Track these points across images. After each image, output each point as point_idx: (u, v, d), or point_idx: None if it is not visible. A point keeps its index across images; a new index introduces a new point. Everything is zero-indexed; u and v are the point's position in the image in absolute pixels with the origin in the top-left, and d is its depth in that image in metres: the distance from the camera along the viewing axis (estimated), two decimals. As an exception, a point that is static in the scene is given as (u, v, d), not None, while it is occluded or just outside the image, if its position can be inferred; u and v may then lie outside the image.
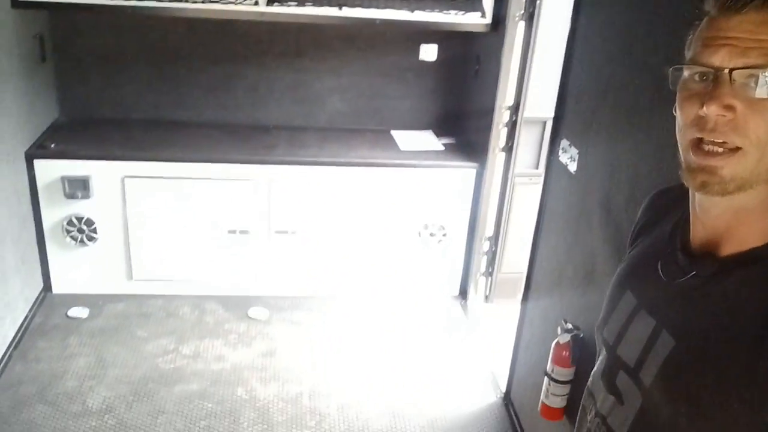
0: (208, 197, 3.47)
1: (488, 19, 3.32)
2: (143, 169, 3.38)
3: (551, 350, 2.37)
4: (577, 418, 1.21)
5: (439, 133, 3.93)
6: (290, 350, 3.37)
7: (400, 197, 3.62)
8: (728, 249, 0.91)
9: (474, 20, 3.31)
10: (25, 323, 3.33)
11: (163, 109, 3.77)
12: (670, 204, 1.10)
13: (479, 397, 3.19)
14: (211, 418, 2.91)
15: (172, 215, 3.47)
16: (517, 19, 3.23)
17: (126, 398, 2.97)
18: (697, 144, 0.84)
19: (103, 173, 3.34)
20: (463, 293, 3.92)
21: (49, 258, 3.50)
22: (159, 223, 3.48)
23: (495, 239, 3.75)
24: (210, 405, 2.98)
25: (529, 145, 3.61)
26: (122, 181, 3.36)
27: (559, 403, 2.41)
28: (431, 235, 3.72)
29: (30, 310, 3.39)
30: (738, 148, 0.82)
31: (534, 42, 3.24)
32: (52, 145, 3.31)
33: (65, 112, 3.70)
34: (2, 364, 3.05)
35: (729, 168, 0.82)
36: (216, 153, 3.49)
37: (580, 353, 2.30)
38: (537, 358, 2.76)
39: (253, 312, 3.60)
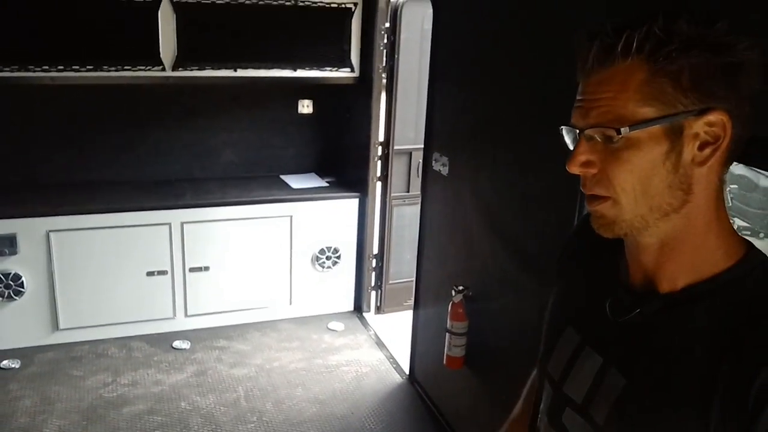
0: (126, 244, 3.86)
1: (357, 73, 4.09)
2: (66, 222, 3.71)
3: (449, 310, 3.05)
4: None
5: (321, 174, 4.60)
6: (219, 368, 3.79)
7: (297, 228, 4.21)
8: (665, 285, 0.94)
9: (345, 74, 4.07)
10: (-41, 379, 3.48)
11: (70, 171, 4.10)
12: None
13: (389, 381, 3.79)
14: (163, 428, 3.26)
15: (95, 263, 3.81)
16: (380, 71, 4.04)
17: (80, 423, 3.25)
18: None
19: (29, 229, 3.64)
20: (359, 308, 4.54)
21: (-27, 318, 3.68)
22: (82, 272, 3.80)
23: (380, 255, 4.45)
24: (159, 418, 3.33)
25: (400, 172, 4.41)
26: (47, 235, 3.67)
27: (459, 353, 3.08)
28: (327, 258, 4.33)
29: (-41, 368, 3.55)
30: (607, 197, 0.89)
31: (396, 89, 4.07)
32: (-23, 208, 3.57)
33: (-25, 180, 3.93)
34: (-52, 415, 3.21)
35: (607, 213, 0.90)
36: (130, 203, 3.91)
37: (470, 308, 3.01)
38: (433, 337, 3.41)
39: (177, 344, 3.98)
